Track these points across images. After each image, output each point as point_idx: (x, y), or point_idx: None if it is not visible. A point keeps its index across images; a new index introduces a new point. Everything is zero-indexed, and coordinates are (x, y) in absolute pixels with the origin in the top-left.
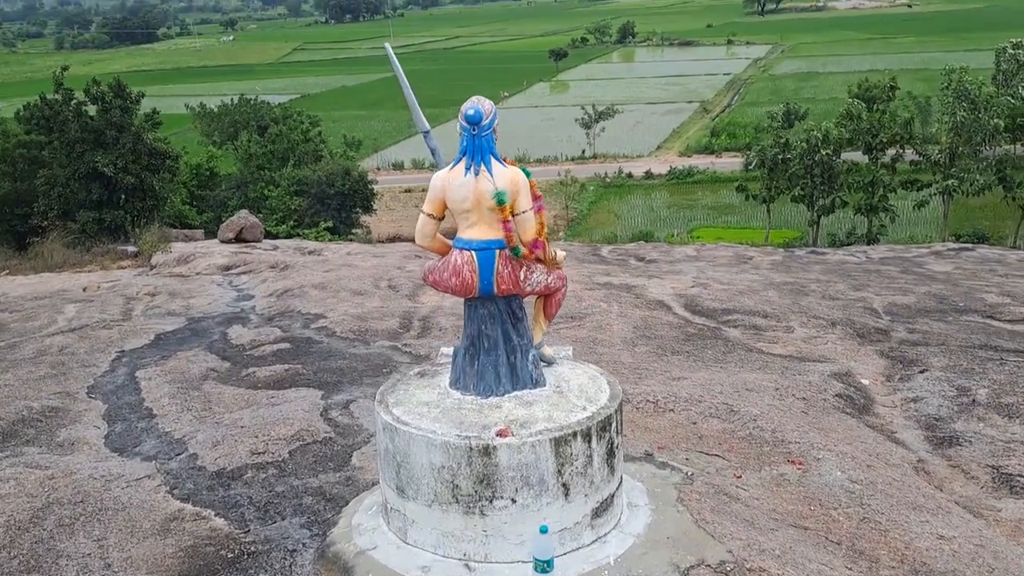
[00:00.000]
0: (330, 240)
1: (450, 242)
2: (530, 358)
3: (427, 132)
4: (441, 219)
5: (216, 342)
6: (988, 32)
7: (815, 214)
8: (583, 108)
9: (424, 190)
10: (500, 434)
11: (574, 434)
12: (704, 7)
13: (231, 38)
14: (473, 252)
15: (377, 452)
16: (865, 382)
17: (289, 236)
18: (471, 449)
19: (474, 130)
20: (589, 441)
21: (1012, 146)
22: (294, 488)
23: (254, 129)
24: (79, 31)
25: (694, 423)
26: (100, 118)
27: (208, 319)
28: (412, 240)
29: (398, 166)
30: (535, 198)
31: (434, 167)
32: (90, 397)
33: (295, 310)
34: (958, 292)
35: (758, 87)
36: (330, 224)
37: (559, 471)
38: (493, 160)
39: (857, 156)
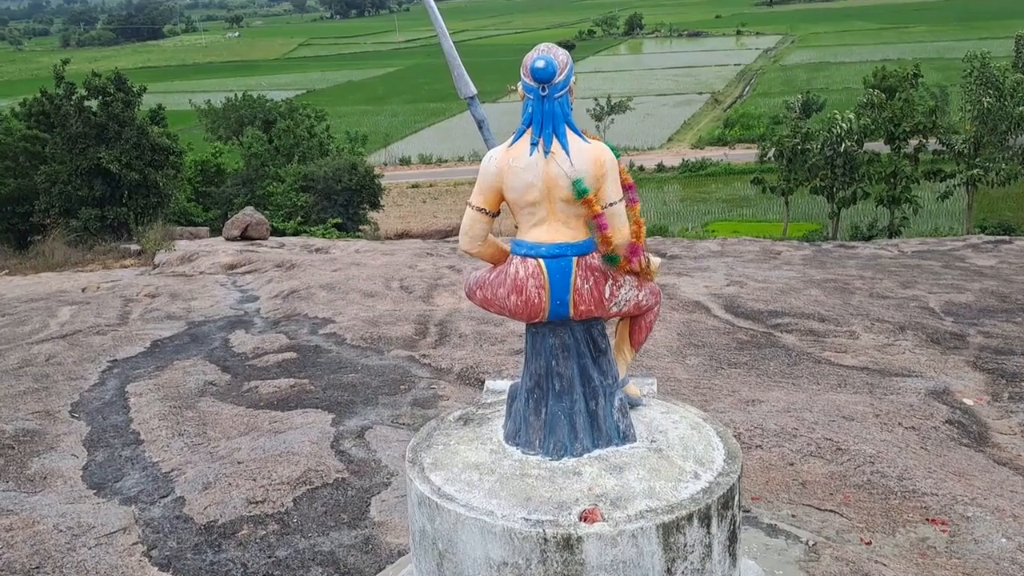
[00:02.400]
0: (338, 237)
1: (507, 246)
2: (616, 403)
3: (472, 97)
4: (496, 215)
5: (216, 350)
6: (1001, 20)
7: (835, 206)
8: (596, 100)
9: (432, 185)
10: (586, 517)
11: (688, 516)
12: None
13: (237, 34)
14: (541, 261)
15: (410, 532)
16: (969, 402)
17: (296, 233)
18: (546, 540)
19: (544, 90)
20: (708, 525)
21: None
22: (299, 553)
23: (258, 125)
24: (85, 28)
25: (791, 464)
26: (102, 112)
27: (209, 323)
28: (422, 236)
29: (405, 161)
30: (626, 187)
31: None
32: (73, 417)
33: (302, 313)
34: (1015, 289)
35: (769, 78)
36: (338, 221)
37: (668, 570)
38: (570, 132)
39: (878, 146)
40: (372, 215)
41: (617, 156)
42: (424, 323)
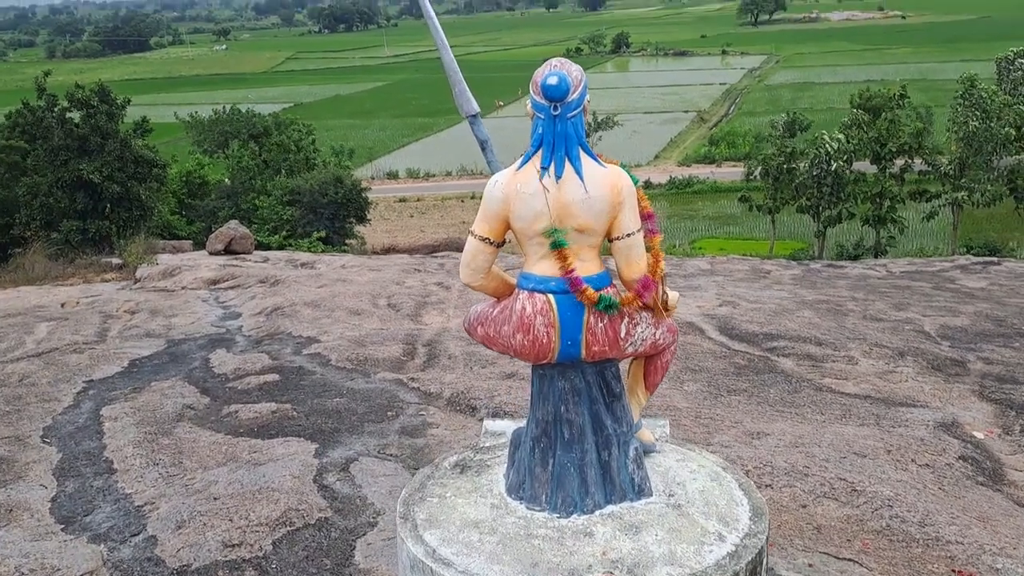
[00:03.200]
0: (323, 251)
1: (513, 280)
2: (631, 453)
3: (474, 116)
4: (501, 245)
5: (196, 370)
6: (982, 43)
7: (821, 225)
8: None
9: (419, 200)
10: None
11: None
12: (697, 18)
13: (224, 47)
14: (551, 296)
15: None
16: (979, 435)
17: (281, 247)
18: None
19: (556, 109)
20: None
21: (1023, 156)
22: None
23: (245, 138)
24: (71, 40)
25: (804, 507)
26: (84, 124)
27: (190, 341)
28: (409, 251)
29: (392, 175)
30: (645, 216)
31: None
32: (44, 443)
33: (285, 332)
34: (1010, 312)
35: (754, 97)
36: (323, 234)
37: None
38: (584, 156)
39: (864, 166)
40: (359, 229)
41: (636, 183)
42: (412, 343)
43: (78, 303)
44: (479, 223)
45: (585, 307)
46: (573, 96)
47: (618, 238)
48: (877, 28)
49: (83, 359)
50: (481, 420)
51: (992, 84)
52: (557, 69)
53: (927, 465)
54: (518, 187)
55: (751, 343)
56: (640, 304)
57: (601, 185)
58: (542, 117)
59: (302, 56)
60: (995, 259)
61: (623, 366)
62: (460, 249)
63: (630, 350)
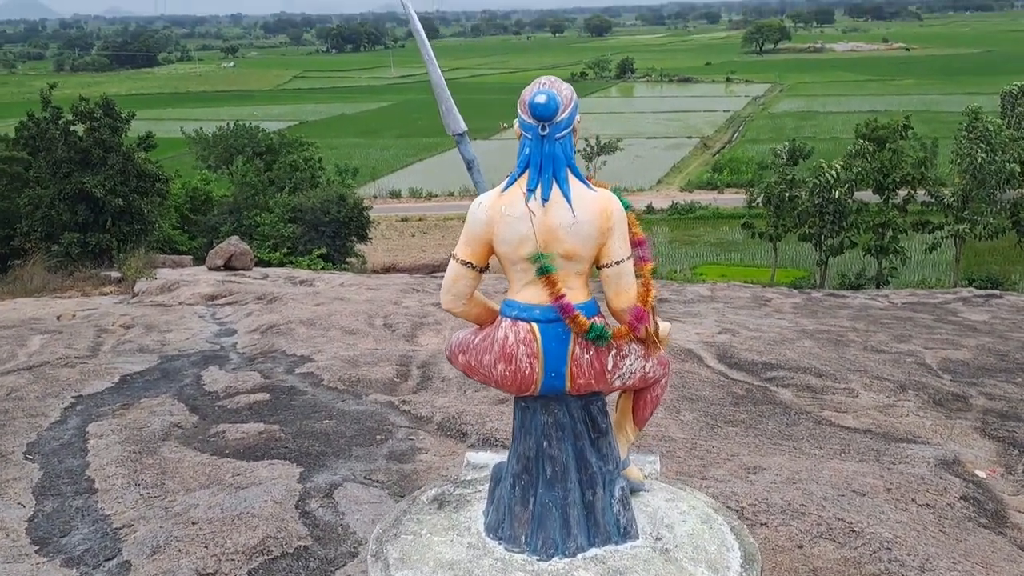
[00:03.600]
0: (323, 269)
1: (496, 306)
2: (616, 493)
3: (462, 134)
4: (484, 270)
5: (187, 387)
6: (986, 76)
7: (823, 254)
8: (585, 140)
9: (421, 219)
10: None
11: None
12: (702, 46)
13: (232, 64)
14: (535, 325)
15: None
16: (981, 475)
17: (281, 264)
18: None
19: (544, 128)
20: None
21: None
22: None
23: (249, 155)
24: (79, 54)
25: (800, 547)
26: (88, 137)
27: (183, 357)
28: (409, 270)
29: (395, 194)
30: (637, 243)
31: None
32: (27, 459)
33: (279, 350)
34: (1012, 347)
35: (758, 124)
36: (324, 252)
37: None
38: (573, 178)
39: (866, 196)
40: (360, 248)
41: (627, 207)
42: (406, 364)
43: (74, 316)
44: (461, 246)
45: (571, 337)
46: (562, 116)
47: (607, 265)
48: (881, 60)
49: (74, 374)
50: (471, 447)
51: (996, 117)
52: (546, 87)
53: (928, 505)
54: (503, 209)
55: (750, 372)
56: (631, 337)
57: (590, 209)
58: (529, 137)
59: (309, 75)
60: (997, 292)
61: (610, 399)
62: None
63: (618, 383)
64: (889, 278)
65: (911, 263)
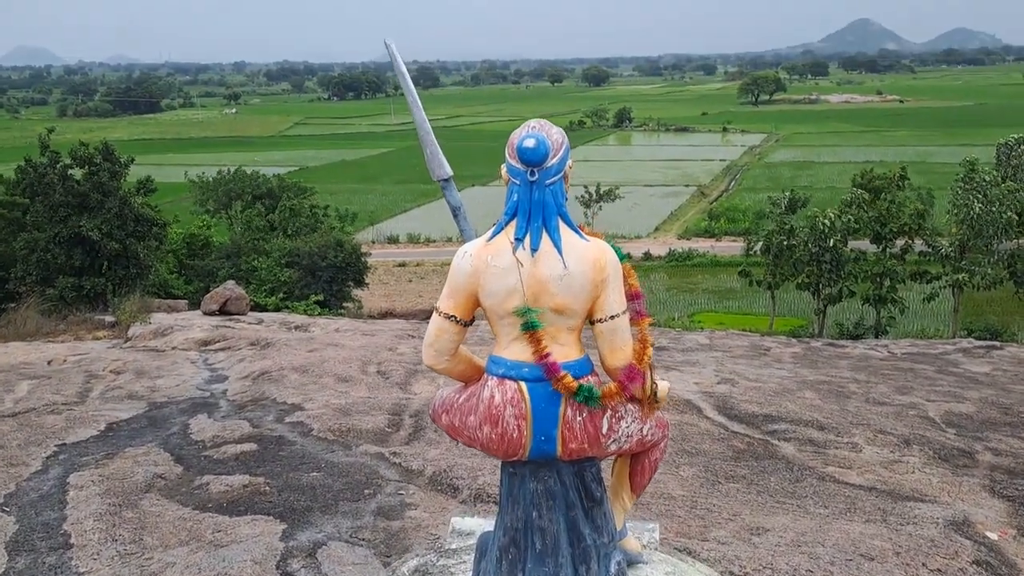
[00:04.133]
0: (319, 314)
1: (481, 363)
2: (612, 569)
3: (447, 180)
4: (468, 324)
5: (174, 436)
6: (979, 128)
7: (821, 303)
8: (585, 187)
9: (419, 265)
10: None
11: None
12: (699, 96)
13: (234, 110)
14: (523, 384)
15: None
16: (993, 536)
17: (277, 309)
18: None
19: (533, 174)
20: None
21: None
22: None
23: (249, 199)
24: (83, 100)
25: None
26: (86, 181)
27: (171, 405)
28: (405, 316)
29: (393, 240)
30: (633, 296)
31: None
32: (3, 511)
33: (270, 398)
34: (1015, 400)
35: (754, 173)
36: (320, 298)
37: None
38: (564, 227)
39: (864, 245)
40: (357, 293)
41: (622, 258)
42: (399, 413)
43: (65, 361)
44: (445, 299)
45: (562, 398)
46: (552, 161)
47: (600, 320)
48: (875, 111)
49: (59, 421)
50: (463, 503)
51: (992, 168)
52: (535, 131)
53: (939, 571)
54: (489, 259)
55: (751, 425)
56: (625, 397)
57: (582, 260)
58: (517, 183)
59: (310, 121)
60: (997, 343)
61: (605, 463)
62: None
63: (613, 448)
64: (887, 328)
65: (909, 313)
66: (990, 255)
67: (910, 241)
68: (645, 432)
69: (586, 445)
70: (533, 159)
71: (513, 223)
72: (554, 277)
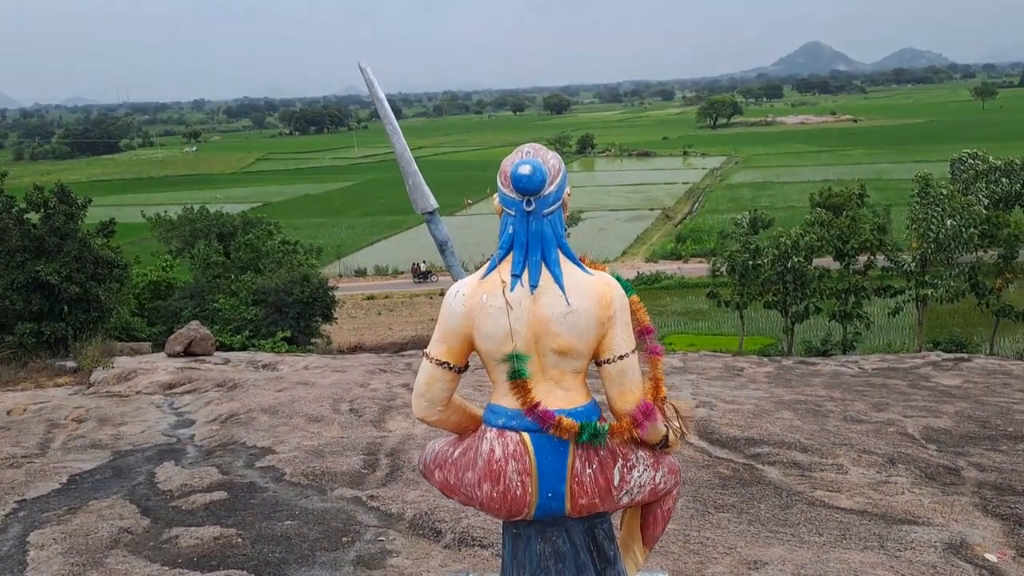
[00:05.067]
0: (287, 351)
1: (478, 412)
2: None
3: (432, 212)
4: (463, 370)
5: (140, 486)
6: (932, 144)
7: (789, 321)
8: None
9: (387, 297)
10: None
11: None
12: (658, 121)
13: (194, 149)
14: (526, 436)
15: None
16: (992, 558)
17: (244, 347)
18: None
19: (529, 204)
20: None
21: (983, 252)
22: None
23: (214, 237)
24: (39, 142)
25: None
26: (43, 225)
27: (136, 453)
28: (375, 349)
29: (360, 272)
30: (643, 332)
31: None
32: None
33: (239, 441)
34: (990, 412)
35: (717, 195)
36: (288, 334)
37: None
38: (565, 260)
39: (828, 262)
40: (325, 328)
41: (629, 292)
42: (374, 453)
43: (25, 410)
44: (435, 344)
45: (569, 449)
46: (550, 189)
47: (608, 361)
48: (831, 131)
49: (19, 475)
50: (446, 547)
51: (948, 183)
52: (530, 157)
53: None
54: (484, 299)
55: (733, 449)
56: (638, 434)
57: (587, 296)
58: (512, 214)
59: (273, 157)
60: (965, 355)
61: (614, 517)
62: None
63: (625, 500)
64: (855, 343)
65: (875, 328)
66: (951, 268)
67: (872, 257)
68: (658, 480)
69: (597, 500)
70: (529, 187)
71: (509, 257)
72: (556, 316)
